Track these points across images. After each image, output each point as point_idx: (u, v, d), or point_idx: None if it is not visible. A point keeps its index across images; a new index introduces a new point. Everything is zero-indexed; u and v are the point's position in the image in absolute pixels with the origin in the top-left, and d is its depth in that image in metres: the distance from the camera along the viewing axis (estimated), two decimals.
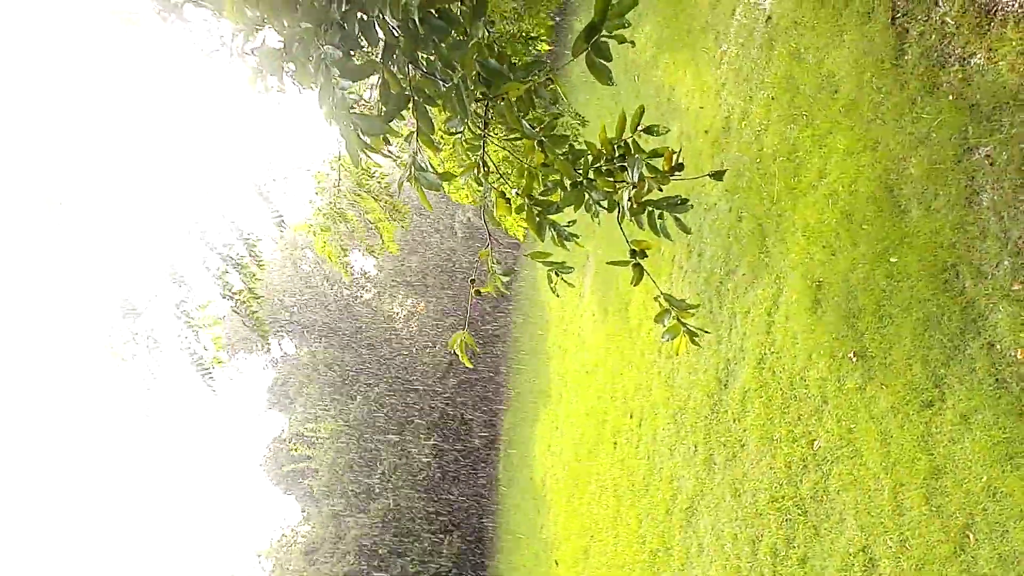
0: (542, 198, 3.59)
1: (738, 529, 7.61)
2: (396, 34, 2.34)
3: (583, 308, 16.37)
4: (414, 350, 27.50)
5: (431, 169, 2.59)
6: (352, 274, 9.62)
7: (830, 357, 6.55)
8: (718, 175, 3.14)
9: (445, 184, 8.37)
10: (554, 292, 3.69)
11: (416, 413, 25.48)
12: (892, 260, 6.00)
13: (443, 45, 2.49)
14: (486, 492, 25.58)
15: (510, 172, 4.43)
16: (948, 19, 5.84)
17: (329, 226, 7.67)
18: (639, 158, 2.97)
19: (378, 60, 2.67)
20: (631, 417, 11.58)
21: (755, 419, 7.57)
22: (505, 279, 3.39)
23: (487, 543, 24.66)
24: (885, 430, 5.74)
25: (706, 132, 10.17)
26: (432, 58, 2.59)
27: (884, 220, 6.17)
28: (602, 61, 2.22)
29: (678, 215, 3.08)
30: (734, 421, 8.02)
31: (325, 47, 2.25)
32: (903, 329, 5.74)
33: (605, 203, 3.21)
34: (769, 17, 8.99)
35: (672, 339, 3.31)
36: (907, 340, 5.68)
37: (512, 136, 3.47)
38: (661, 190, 2.99)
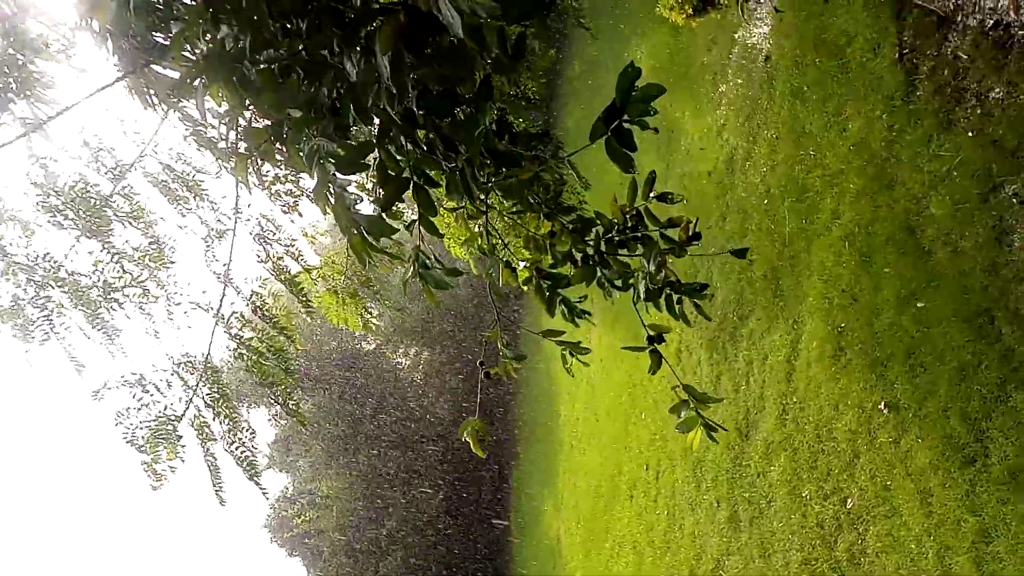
0: (552, 271, 3.32)
1: None
2: (392, 115, 2.09)
3: (591, 355, 16.03)
4: (420, 400, 27.07)
5: (437, 263, 2.32)
6: (373, 328, 9.27)
7: (858, 408, 6.22)
8: (740, 253, 2.88)
9: (446, 235, 8.12)
10: (569, 372, 3.39)
11: (423, 465, 24.93)
12: (919, 305, 5.71)
13: (443, 124, 2.23)
14: (499, 546, 24.89)
15: (515, 241, 4.17)
16: (961, 54, 5.64)
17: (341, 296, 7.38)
18: (657, 247, 2.71)
19: (374, 139, 2.42)
20: (647, 469, 11.18)
21: (781, 474, 7.20)
22: (517, 364, 3.09)
23: None
24: (925, 488, 5.39)
25: (709, 174, 9.97)
26: (432, 136, 2.33)
27: (907, 263, 5.90)
28: (625, 150, 1.95)
29: (697, 301, 2.81)
30: (758, 476, 7.65)
31: (317, 139, 1.99)
32: (937, 379, 5.43)
33: (619, 282, 2.93)
34: (768, 56, 8.85)
35: (687, 432, 3.01)
36: (942, 390, 5.36)
37: (516, 209, 3.21)
38: (679, 282, 2.74)
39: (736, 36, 9.86)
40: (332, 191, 2.16)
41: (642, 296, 2.80)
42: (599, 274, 3.00)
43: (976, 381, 5.09)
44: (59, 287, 5.28)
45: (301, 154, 2.37)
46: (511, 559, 23.76)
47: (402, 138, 2.41)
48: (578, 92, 18.56)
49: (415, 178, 2.42)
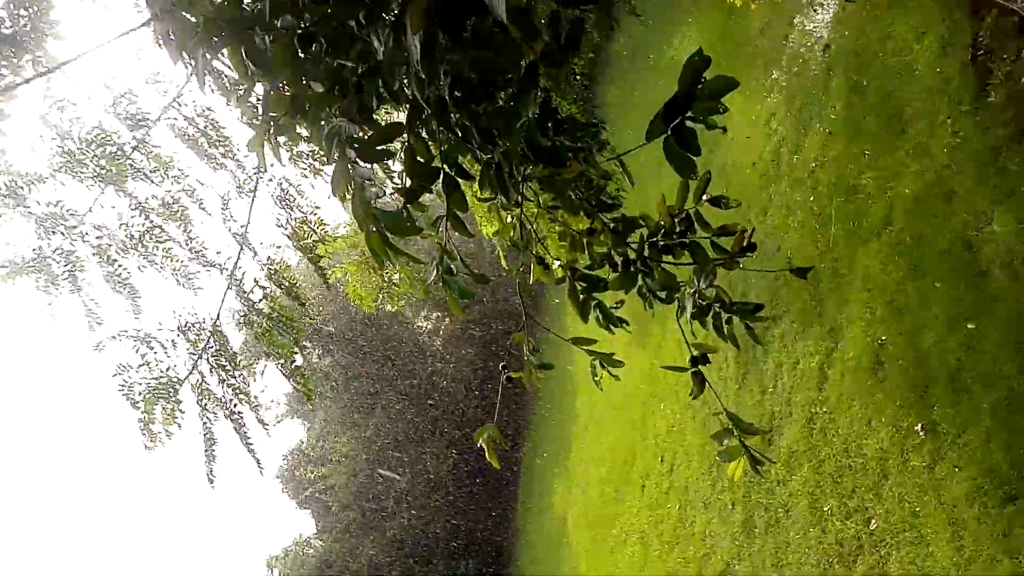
0: (588, 272, 3.06)
1: None
2: (421, 100, 1.83)
3: (615, 338, 15.76)
4: (438, 366, 27.01)
5: (464, 267, 2.07)
6: (396, 303, 9.14)
7: (892, 427, 5.93)
8: (801, 272, 2.61)
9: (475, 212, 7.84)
10: (598, 385, 3.16)
11: (435, 431, 24.93)
12: (969, 327, 5.37)
13: (480, 110, 1.97)
14: (505, 519, 24.90)
15: (550, 227, 3.91)
16: None
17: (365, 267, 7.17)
18: (709, 260, 2.44)
19: (403, 122, 2.16)
20: (662, 461, 10.96)
21: (803, 485, 6.94)
22: (541, 373, 2.86)
23: (504, 572, 23.96)
24: (958, 520, 5.10)
25: (753, 164, 9.58)
26: (466, 123, 2.07)
27: (960, 280, 5.55)
28: (686, 153, 1.68)
29: (750, 323, 2.54)
30: (779, 483, 7.39)
31: (338, 120, 1.74)
32: (982, 407, 5.11)
33: (663, 293, 2.67)
34: (827, 46, 8.40)
35: (729, 461, 2.77)
36: (986, 420, 5.05)
37: (554, 204, 2.95)
38: (731, 302, 2.47)
39: (794, 21, 9.41)
40: (352, 179, 1.92)
41: (689, 313, 2.54)
42: (641, 282, 2.75)
43: None
44: (73, 238, 5.11)
45: (321, 134, 2.13)
46: (517, 533, 23.81)
47: (434, 123, 2.16)
48: (620, 70, 18.03)
49: (446, 168, 2.17)
